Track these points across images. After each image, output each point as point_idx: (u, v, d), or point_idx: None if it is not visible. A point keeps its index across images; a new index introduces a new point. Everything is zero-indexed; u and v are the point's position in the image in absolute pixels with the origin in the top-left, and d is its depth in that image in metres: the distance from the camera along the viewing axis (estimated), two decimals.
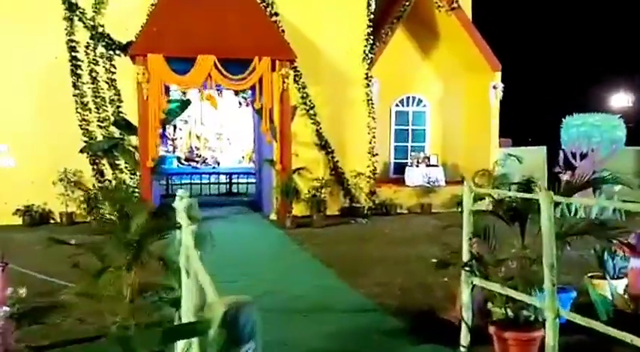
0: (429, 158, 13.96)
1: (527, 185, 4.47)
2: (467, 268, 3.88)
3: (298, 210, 11.43)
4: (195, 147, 24.64)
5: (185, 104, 12.07)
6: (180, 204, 2.88)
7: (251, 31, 10.83)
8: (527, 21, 20.12)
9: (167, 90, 13.00)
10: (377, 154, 12.91)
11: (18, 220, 10.97)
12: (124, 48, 11.30)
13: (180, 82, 10.45)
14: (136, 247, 3.88)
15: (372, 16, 12.65)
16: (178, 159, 23.96)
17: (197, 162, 24.01)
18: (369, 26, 12.65)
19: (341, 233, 10.23)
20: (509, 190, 12.75)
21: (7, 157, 11.24)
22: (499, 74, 13.74)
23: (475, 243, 3.90)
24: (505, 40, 16.36)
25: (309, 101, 12.34)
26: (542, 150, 15.37)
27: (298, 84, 12.22)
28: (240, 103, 14.78)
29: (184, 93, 14.07)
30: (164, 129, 24.12)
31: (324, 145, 12.48)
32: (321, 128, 12.42)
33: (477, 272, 3.89)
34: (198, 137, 24.69)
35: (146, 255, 3.95)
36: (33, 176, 11.19)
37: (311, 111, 12.36)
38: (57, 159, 11.18)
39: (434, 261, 7.55)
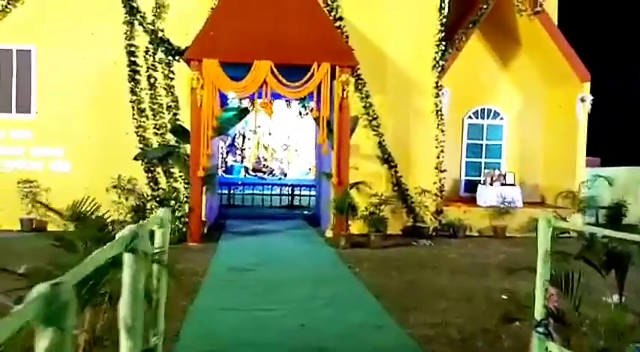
0: (504, 176, 12.69)
1: (617, 210, 3.42)
2: (540, 329, 2.90)
3: (356, 227, 10.57)
4: (263, 158, 24.40)
5: (243, 113, 11.56)
6: (120, 233, 2.12)
7: (311, 36, 10.16)
8: (620, 25, 18.27)
9: (225, 98, 12.65)
10: (445, 170, 11.83)
11: (70, 227, 10.76)
12: (183, 53, 10.94)
13: (234, 88, 9.92)
14: (89, 284, 3.05)
15: (444, 20, 11.65)
16: (246, 169, 23.81)
17: (264, 172, 23.75)
18: (440, 31, 11.66)
19: (399, 256, 9.25)
20: (597, 215, 11.23)
21: (62, 162, 11.14)
22: (588, 85, 12.33)
23: (553, 295, 2.92)
24: (595, 47, 14.77)
25: (373, 111, 11.49)
26: (636, 171, 13.66)
27: (361, 93, 11.42)
28: (300, 113, 14.19)
29: (251, 101, 13.63)
30: (233, 138, 24.43)
31: (387, 159, 11.57)
32: (384, 140, 11.54)
33: (555, 334, 2.91)
34: (265, 147, 24.46)
35: (101, 294, 3.19)
36: (87, 182, 11.00)
37: (374, 122, 11.50)
38: (111, 165, 10.97)
39: (505, 297, 6.50)
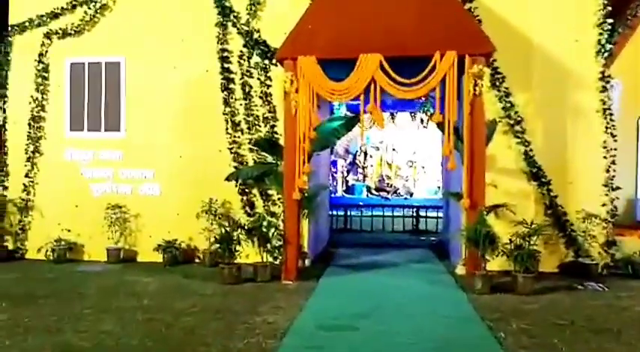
0: None
1: None
2: None
3: (497, 263, 8.08)
4: (386, 176, 22.42)
5: (350, 122, 9.61)
6: None
7: (431, 21, 8.00)
8: None
9: (331, 108, 10.87)
10: (619, 188, 8.92)
11: (159, 257, 9.53)
12: None
13: (335, 89, 8.01)
14: None
15: None
16: (368, 188, 21.99)
17: (387, 192, 21.78)
18: (605, 5, 8.88)
19: (561, 307, 6.64)
20: None
21: (152, 184, 9.96)
22: None
23: None
24: None
25: (515, 113, 8.98)
26: None
27: (499, 90, 8.99)
28: (422, 120, 11.83)
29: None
30: (354, 156, 22.71)
31: (535, 174, 8.95)
32: (531, 150, 8.94)
33: None
34: (389, 165, 22.48)
35: None
36: (178, 206, 9.76)
37: (517, 127, 8.97)
38: (204, 187, 9.60)
39: None
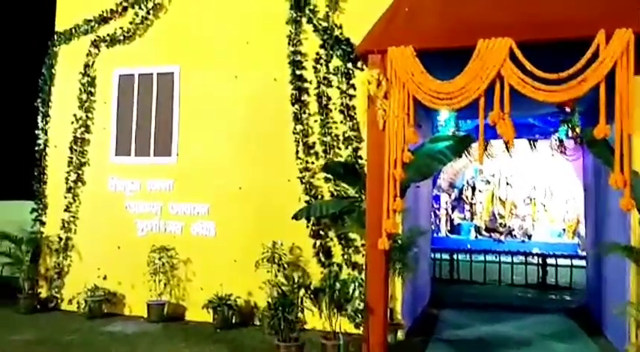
0: None
1: None
2: None
3: None
4: (499, 214, 19.28)
5: (461, 144, 7.08)
6: None
7: None
8: None
9: (435, 122, 8.40)
10: None
11: (208, 316, 7.45)
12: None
13: (442, 91, 5.55)
14: None
15: None
16: (477, 228, 19.01)
17: (500, 233, 18.69)
18: None
19: None
20: None
21: (206, 222, 7.96)
22: None
23: None
24: None
25: None
26: None
27: None
28: (561, 141, 8.79)
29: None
30: (460, 190, 19.83)
31: None
32: None
33: None
34: (502, 201, 19.36)
35: None
36: (236, 251, 7.68)
37: None
38: (268, 227, 7.49)
39: None
